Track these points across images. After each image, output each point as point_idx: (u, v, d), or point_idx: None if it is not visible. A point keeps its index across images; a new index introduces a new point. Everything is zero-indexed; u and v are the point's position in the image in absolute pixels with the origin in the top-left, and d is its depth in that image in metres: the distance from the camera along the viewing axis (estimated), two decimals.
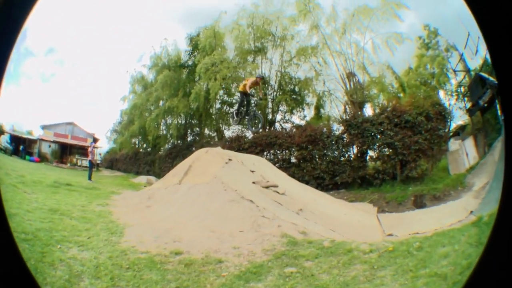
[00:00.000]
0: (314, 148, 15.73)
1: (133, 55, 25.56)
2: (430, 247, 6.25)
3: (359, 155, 16.04)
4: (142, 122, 20.13)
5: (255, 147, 16.33)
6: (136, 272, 4.71)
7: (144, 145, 22.16)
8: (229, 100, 20.28)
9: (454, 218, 8.56)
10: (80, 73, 23.81)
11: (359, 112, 17.38)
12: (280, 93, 19.15)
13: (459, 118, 19.11)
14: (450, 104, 19.36)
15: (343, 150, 15.92)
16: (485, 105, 15.33)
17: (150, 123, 19.64)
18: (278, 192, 10.24)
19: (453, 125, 19.15)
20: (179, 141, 20.54)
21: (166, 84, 19.51)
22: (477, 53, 15.82)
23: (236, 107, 13.21)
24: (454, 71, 18.80)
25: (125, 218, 7.27)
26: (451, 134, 18.76)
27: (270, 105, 19.55)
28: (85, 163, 18.81)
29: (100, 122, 26.43)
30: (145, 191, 11.34)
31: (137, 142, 22.40)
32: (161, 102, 20.37)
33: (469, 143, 16.17)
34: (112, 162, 23.32)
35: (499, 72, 1.85)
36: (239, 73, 19.06)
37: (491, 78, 14.20)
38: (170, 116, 20.50)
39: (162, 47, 20.89)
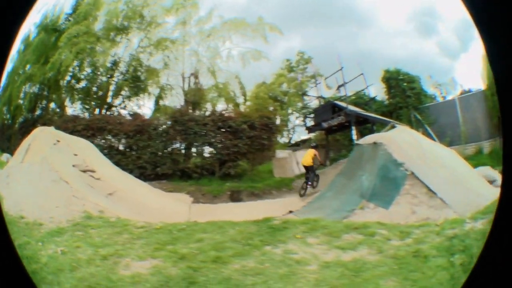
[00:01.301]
0: (140, 138, 17.51)
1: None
2: (192, 231, 8.04)
3: (181, 149, 18.65)
4: (12, 88, 19.40)
5: (87, 130, 17.06)
6: (11, 226, 6.48)
7: (8, 116, 21.03)
8: (79, 75, 20.64)
9: (270, 214, 9.84)
10: None
11: (190, 111, 20.09)
12: (126, 77, 20.77)
13: (301, 133, 24.07)
14: (292, 121, 25.25)
15: (167, 143, 17.93)
16: (334, 128, 18.96)
17: (15, 90, 19.40)
18: (93, 177, 12.00)
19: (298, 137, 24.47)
20: (29, 115, 20.39)
21: (36, 47, 19.55)
22: (342, 86, 19.15)
23: (310, 181, 14.69)
24: (303, 94, 23.59)
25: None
26: (292, 144, 24.02)
27: (113, 87, 21.05)
28: None
29: None
30: (4, 169, 12.21)
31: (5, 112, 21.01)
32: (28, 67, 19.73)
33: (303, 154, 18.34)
34: None
35: (496, 72, 2.12)
36: (98, 49, 20.07)
37: (350, 107, 17.65)
38: (30, 84, 20.02)
39: (54, 5, 20.57)
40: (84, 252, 6.84)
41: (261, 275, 5.17)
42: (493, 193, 8.26)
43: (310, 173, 14.82)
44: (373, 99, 20.60)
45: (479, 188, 10.04)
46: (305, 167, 15.17)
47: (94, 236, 7.89)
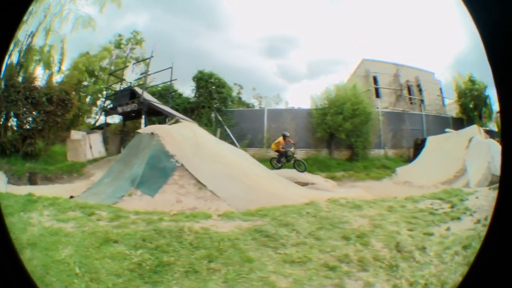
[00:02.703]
0: None
1: None
2: None
3: (4, 120, 16.64)
4: None
5: None
6: None
7: None
8: None
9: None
10: None
11: (27, 75, 18.63)
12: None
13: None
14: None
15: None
16: (132, 114, 19.58)
17: None
18: None
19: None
20: None
21: None
22: (144, 75, 20.90)
23: (277, 158, 16.98)
24: (110, 74, 23.43)
25: None
26: (98, 126, 23.32)
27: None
28: None
29: None
30: None
31: None
32: None
33: (97, 138, 19.23)
34: None
35: (496, 71, 2.08)
36: None
37: (145, 96, 18.62)
38: None
39: None
40: None
41: (12, 228, 5.57)
42: (302, 195, 10.70)
43: (278, 156, 17.25)
44: (171, 92, 22.09)
45: (279, 189, 11.44)
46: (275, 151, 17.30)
47: None
